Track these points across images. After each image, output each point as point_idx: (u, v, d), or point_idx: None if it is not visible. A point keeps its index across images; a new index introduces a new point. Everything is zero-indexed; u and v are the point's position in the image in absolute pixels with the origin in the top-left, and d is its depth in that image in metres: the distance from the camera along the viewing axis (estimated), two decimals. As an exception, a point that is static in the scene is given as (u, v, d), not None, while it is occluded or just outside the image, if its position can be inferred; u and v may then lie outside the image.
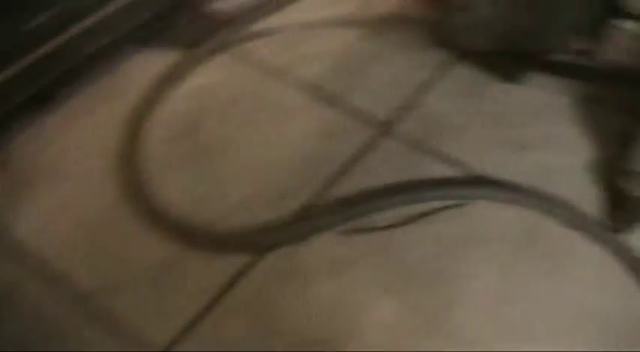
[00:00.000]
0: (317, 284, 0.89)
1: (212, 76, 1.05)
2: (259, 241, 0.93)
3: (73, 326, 0.77)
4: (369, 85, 1.35)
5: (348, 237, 0.95)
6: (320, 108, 1.21)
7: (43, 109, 0.94)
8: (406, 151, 1.30)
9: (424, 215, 1.05)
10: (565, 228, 1.10)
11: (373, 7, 1.26)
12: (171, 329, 0.81)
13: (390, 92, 1.38)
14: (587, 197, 1.26)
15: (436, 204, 1.08)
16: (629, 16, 1.08)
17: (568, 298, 0.95)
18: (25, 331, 0.73)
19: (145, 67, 1.03)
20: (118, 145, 0.92)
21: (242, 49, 1.14)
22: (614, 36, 1.17)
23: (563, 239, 1.04)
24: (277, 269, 0.90)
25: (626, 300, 0.95)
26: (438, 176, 1.24)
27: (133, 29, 0.98)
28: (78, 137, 0.93)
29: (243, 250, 0.91)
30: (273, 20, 1.26)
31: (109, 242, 0.84)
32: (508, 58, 1.30)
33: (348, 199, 1.04)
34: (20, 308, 0.75)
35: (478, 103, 1.42)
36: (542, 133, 1.37)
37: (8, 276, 0.81)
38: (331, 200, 1.03)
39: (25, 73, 0.82)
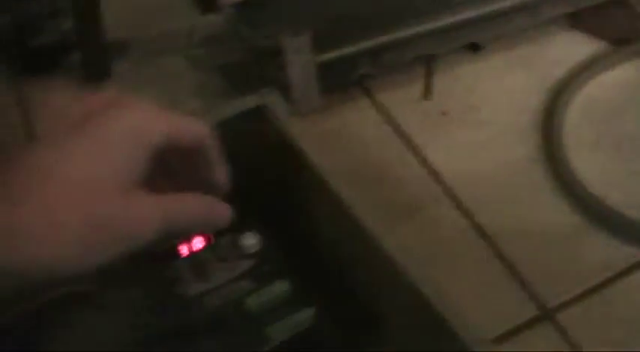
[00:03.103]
0: None
1: (634, 75, 0.95)
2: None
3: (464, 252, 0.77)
4: None
5: None
6: None
7: (473, 56, 0.93)
8: None
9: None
10: None
11: None
12: (561, 294, 0.74)
13: None
14: None
15: None
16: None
17: None
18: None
19: (567, 47, 0.95)
20: (537, 109, 0.88)
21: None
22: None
23: None
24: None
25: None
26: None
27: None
28: (500, 89, 0.89)
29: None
30: None
31: (513, 192, 0.80)
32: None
33: None
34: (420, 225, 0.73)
35: None
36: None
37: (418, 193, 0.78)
38: None
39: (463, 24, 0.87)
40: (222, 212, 0.51)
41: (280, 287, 0.55)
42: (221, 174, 0.50)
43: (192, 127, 0.47)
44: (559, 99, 0.87)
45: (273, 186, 0.60)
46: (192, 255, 0.58)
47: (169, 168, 0.49)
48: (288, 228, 0.62)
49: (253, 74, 0.86)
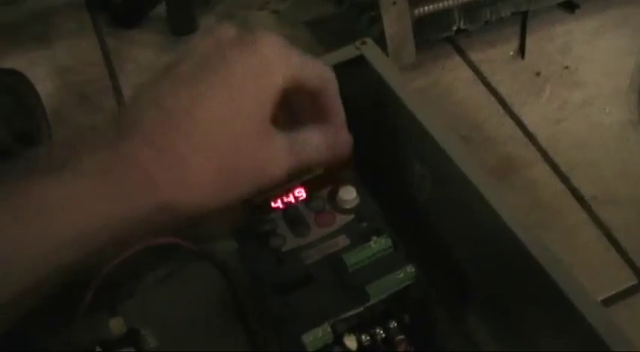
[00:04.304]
0: None
1: None
2: None
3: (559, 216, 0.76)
4: None
5: None
6: None
7: (567, 16, 0.92)
8: None
9: None
10: None
11: None
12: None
13: None
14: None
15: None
16: None
17: None
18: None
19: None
20: (634, 71, 0.87)
21: None
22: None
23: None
24: None
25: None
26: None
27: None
28: (595, 50, 0.89)
29: None
30: None
31: (610, 156, 0.80)
32: None
33: None
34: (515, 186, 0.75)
35: None
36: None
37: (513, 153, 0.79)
38: None
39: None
40: (345, 140, 0.51)
41: (378, 245, 0.53)
42: (338, 120, 0.50)
43: (317, 70, 0.47)
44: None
45: (370, 140, 0.58)
46: (288, 209, 0.56)
47: (290, 109, 0.48)
48: (386, 183, 0.60)
49: (341, 29, 0.84)
